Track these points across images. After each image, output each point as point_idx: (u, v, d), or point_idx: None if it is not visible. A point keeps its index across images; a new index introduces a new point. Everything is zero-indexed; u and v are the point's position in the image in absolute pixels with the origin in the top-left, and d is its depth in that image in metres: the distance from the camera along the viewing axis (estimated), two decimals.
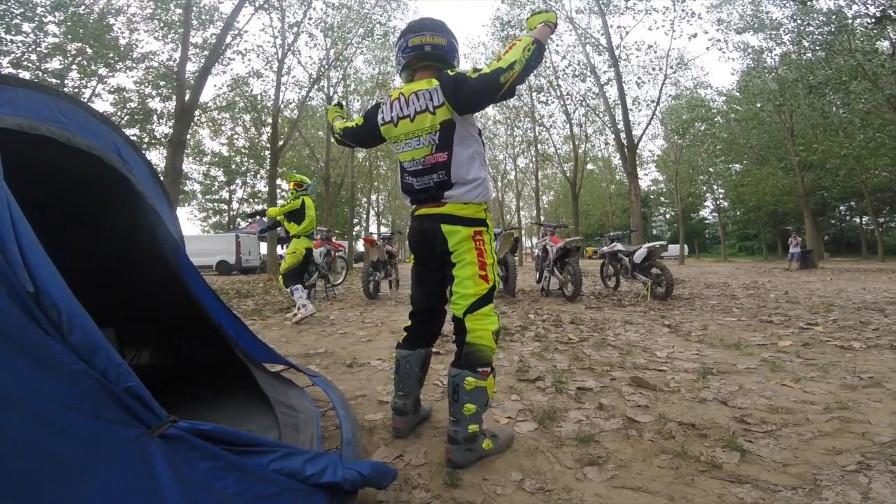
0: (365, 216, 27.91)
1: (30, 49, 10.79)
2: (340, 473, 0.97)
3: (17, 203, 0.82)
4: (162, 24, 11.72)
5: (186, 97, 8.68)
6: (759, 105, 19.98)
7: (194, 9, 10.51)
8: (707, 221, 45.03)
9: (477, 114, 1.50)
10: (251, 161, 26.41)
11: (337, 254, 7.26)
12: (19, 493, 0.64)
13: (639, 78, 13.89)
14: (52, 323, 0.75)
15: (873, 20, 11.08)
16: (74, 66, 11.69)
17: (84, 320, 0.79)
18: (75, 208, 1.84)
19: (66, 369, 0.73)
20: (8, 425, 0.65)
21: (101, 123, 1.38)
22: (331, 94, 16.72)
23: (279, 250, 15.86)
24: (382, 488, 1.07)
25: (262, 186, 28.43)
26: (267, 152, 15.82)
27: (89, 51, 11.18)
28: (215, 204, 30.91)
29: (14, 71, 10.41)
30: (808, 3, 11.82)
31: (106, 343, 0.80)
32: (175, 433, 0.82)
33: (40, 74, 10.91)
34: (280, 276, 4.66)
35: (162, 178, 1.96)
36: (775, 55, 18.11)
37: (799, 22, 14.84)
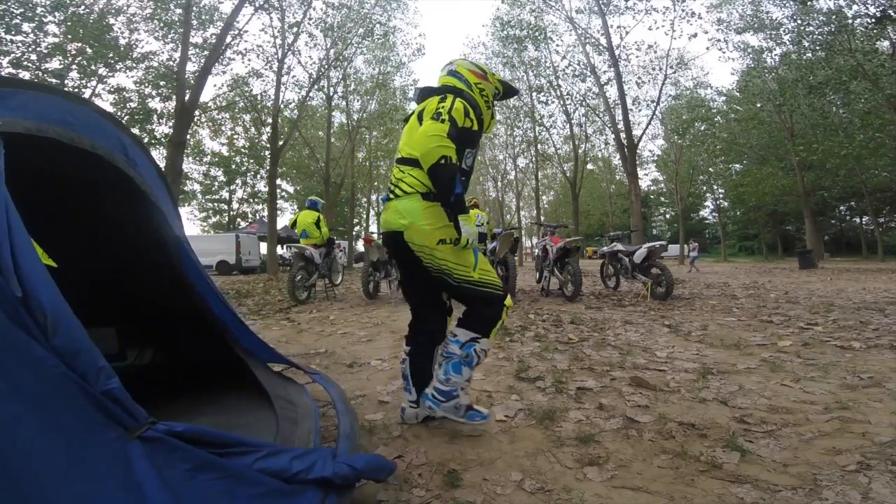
0: (365, 216, 27.91)
1: (30, 49, 10.75)
2: (330, 468, 0.96)
3: (14, 207, 0.83)
4: (162, 24, 11.70)
5: (186, 97, 8.68)
6: (759, 105, 19.99)
7: (194, 9, 10.49)
8: (707, 221, 44.98)
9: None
10: (251, 161, 26.38)
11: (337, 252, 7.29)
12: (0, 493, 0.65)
13: (639, 78, 13.88)
14: (38, 325, 0.76)
15: (873, 20, 11.07)
16: (74, 66, 11.66)
17: (70, 323, 0.79)
18: (80, 207, 1.84)
19: (48, 372, 0.74)
20: None
21: (108, 122, 1.39)
22: (331, 94, 16.72)
23: (279, 250, 15.92)
24: (380, 482, 1.05)
25: (262, 186, 28.43)
26: (267, 152, 15.81)
27: (89, 51, 11.14)
28: (215, 204, 30.89)
29: (14, 71, 10.39)
30: (808, 3, 11.83)
31: (89, 345, 0.81)
32: (153, 435, 0.82)
33: (40, 74, 10.88)
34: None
35: None
36: (775, 55, 18.12)
37: (799, 22, 14.83)
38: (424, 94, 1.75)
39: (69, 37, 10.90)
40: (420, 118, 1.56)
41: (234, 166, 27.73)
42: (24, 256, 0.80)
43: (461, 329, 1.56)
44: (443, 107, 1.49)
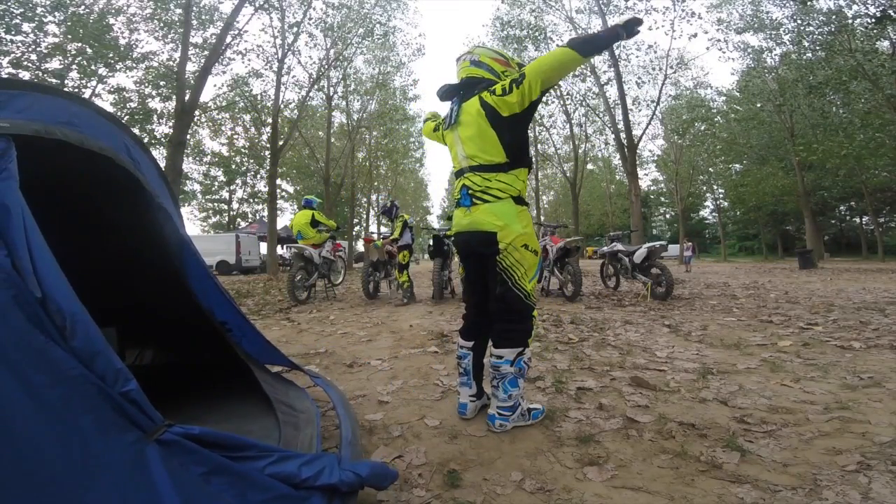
0: (365, 216, 27.91)
1: (30, 49, 10.76)
2: (337, 475, 0.96)
3: (29, 209, 0.84)
4: (162, 24, 11.71)
5: (186, 97, 8.67)
6: (759, 105, 20.00)
7: (194, 9, 10.49)
8: (707, 221, 44.97)
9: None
10: (251, 161, 26.40)
11: (336, 253, 7.27)
12: (19, 497, 0.65)
13: (639, 78, 13.86)
14: (57, 327, 0.76)
15: (873, 20, 11.07)
16: (74, 66, 11.67)
17: (87, 325, 0.80)
18: (80, 207, 1.84)
19: (66, 374, 0.74)
20: (8, 430, 0.65)
21: (110, 124, 1.39)
22: (331, 94, 16.71)
23: (279, 250, 15.91)
24: (382, 489, 1.06)
25: (262, 186, 28.42)
26: (267, 152, 15.81)
27: (89, 51, 11.15)
28: (215, 204, 30.87)
29: (14, 71, 10.39)
30: (808, 3, 11.82)
31: (107, 347, 0.81)
32: (170, 438, 0.82)
33: (40, 74, 10.88)
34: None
35: None
36: (775, 55, 18.12)
37: (799, 22, 14.84)
38: (452, 90, 1.77)
39: (69, 37, 10.90)
40: (487, 116, 1.58)
41: (234, 166, 27.73)
42: (42, 259, 0.80)
43: (504, 349, 1.61)
44: (495, 89, 1.58)
